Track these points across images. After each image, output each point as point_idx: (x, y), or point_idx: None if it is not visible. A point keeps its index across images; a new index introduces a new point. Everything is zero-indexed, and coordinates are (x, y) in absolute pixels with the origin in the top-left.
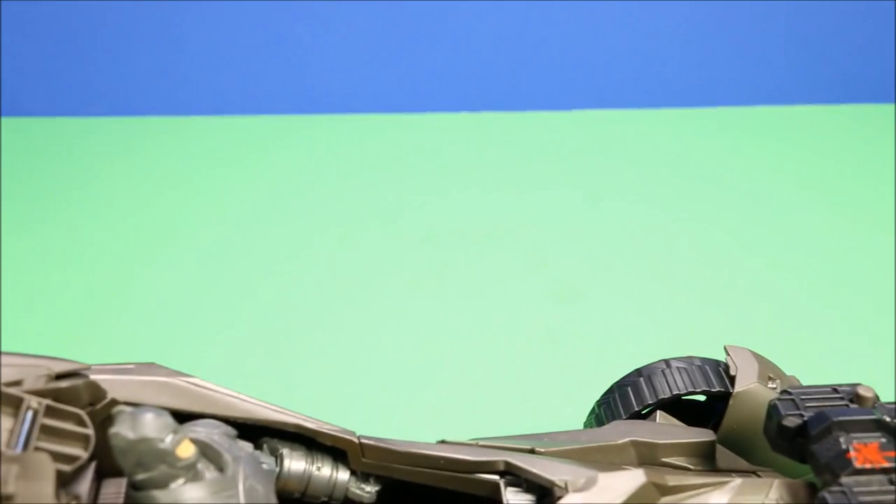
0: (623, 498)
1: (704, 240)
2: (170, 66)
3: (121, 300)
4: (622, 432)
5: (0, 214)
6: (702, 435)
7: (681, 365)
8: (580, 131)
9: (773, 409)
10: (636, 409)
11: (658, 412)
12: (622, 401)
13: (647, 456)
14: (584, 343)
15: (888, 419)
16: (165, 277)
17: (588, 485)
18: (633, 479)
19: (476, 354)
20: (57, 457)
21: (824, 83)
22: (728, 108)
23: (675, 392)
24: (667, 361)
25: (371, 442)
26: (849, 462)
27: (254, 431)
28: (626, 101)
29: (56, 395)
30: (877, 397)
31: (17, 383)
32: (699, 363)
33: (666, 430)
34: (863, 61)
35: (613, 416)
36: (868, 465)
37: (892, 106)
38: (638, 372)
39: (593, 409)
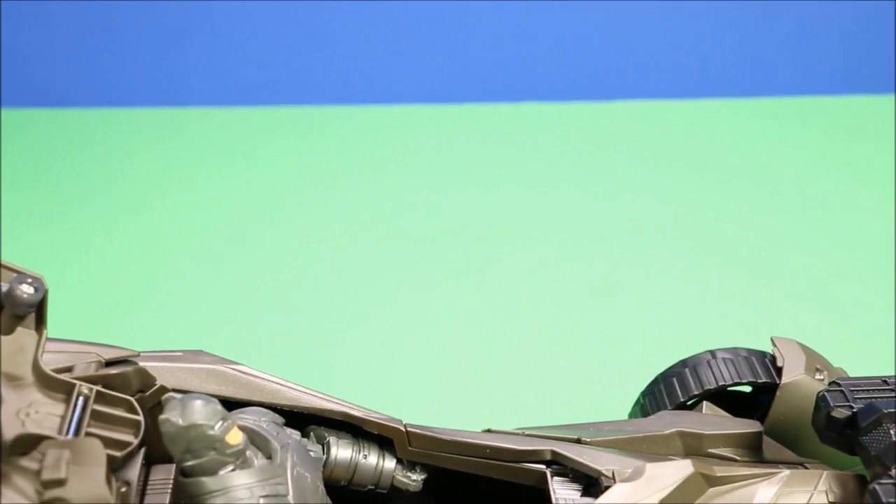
0: (671, 488)
1: (741, 232)
2: (172, 58)
3: (142, 291)
4: (668, 423)
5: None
6: (748, 426)
7: (727, 356)
8: (612, 123)
9: (821, 401)
10: (681, 399)
11: (704, 403)
12: (668, 391)
13: (693, 446)
14: (625, 335)
15: None
16: (195, 268)
17: (636, 475)
18: (680, 469)
19: (520, 347)
20: (108, 442)
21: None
22: (755, 100)
23: (720, 383)
24: (712, 352)
25: (417, 430)
26: None
27: (301, 419)
28: (638, 93)
29: (106, 381)
30: None
31: (67, 370)
32: (745, 354)
33: (712, 420)
34: (866, 52)
35: (659, 407)
36: None
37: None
38: (683, 363)
39: (638, 399)
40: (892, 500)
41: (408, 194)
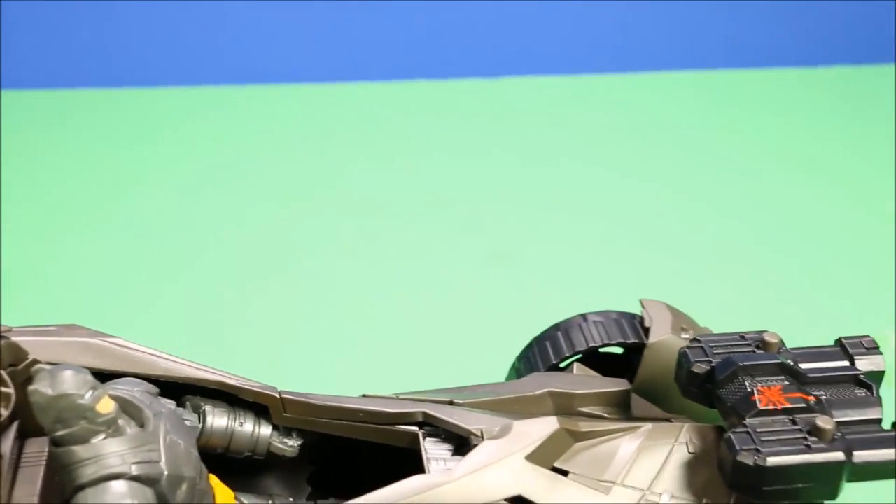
0: (537, 443)
1: (638, 201)
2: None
3: (57, 270)
4: (539, 384)
5: None
6: (617, 385)
7: (597, 318)
8: (512, 98)
9: (682, 357)
10: (553, 361)
11: (575, 364)
12: (541, 354)
13: (563, 406)
14: (510, 303)
15: (791, 363)
16: (107, 245)
17: (503, 432)
18: (546, 425)
19: (402, 314)
20: None
21: (819, 44)
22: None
23: (591, 344)
24: (584, 316)
25: (292, 397)
26: (753, 404)
27: (177, 390)
28: (564, 68)
29: None
30: (782, 343)
31: None
32: (615, 316)
33: (582, 380)
34: (861, 21)
35: (532, 370)
36: (771, 407)
37: (893, 66)
38: (556, 326)
39: (514, 364)
40: (745, 446)
41: (301, 172)
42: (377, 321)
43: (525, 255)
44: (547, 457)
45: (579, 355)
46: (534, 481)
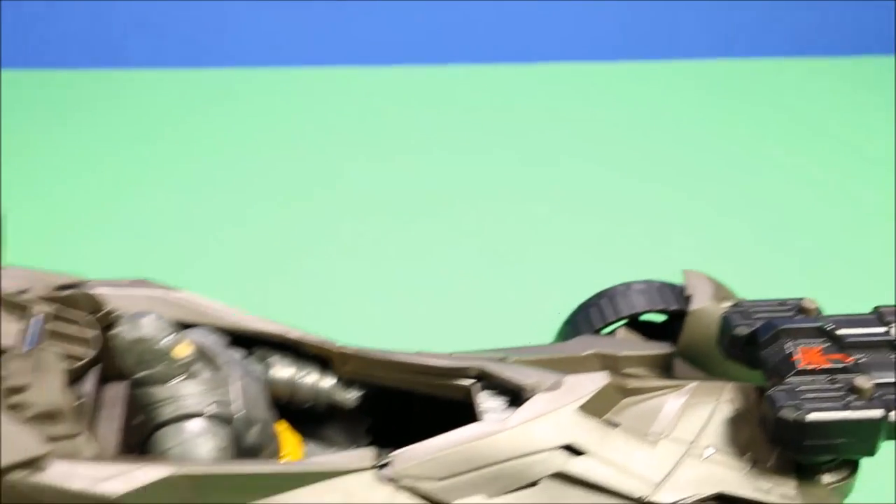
0: (588, 397)
1: (639, 193)
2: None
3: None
4: (586, 345)
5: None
6: (660, 348)
7: (641, 287)
8: (513, 86)
9: (724, 320)
10: (598, 326)
11: (620, 329)
12: (586, 320)
13: (609, 367)
14: (512, 300)
15: (830, 327)
16: (105, 244)
17: (555, 386)
18: (597, 380)
19: (402, 312)
20: (63, 356)
21: (823, 35)
22: (685, 62)
23: (634, 310)
24: (628, 284)
25: (352, 351)
26: (794, 364)
27: (243, 342)
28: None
29: (60, 303)
30: (819, 309)
31: (23, 292)
32: (658, 285)
33: (627, 343)
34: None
35: (578, 335)
36: (812, 367)
37: (893, 58)
38: (601, 294)
39: (560, 329)
40: (787, 403)
41: (310, 164)
42: (376, 319)
43: (526, 251)
44: (597, 409)
45: (623, 321)
46: (585, 431)
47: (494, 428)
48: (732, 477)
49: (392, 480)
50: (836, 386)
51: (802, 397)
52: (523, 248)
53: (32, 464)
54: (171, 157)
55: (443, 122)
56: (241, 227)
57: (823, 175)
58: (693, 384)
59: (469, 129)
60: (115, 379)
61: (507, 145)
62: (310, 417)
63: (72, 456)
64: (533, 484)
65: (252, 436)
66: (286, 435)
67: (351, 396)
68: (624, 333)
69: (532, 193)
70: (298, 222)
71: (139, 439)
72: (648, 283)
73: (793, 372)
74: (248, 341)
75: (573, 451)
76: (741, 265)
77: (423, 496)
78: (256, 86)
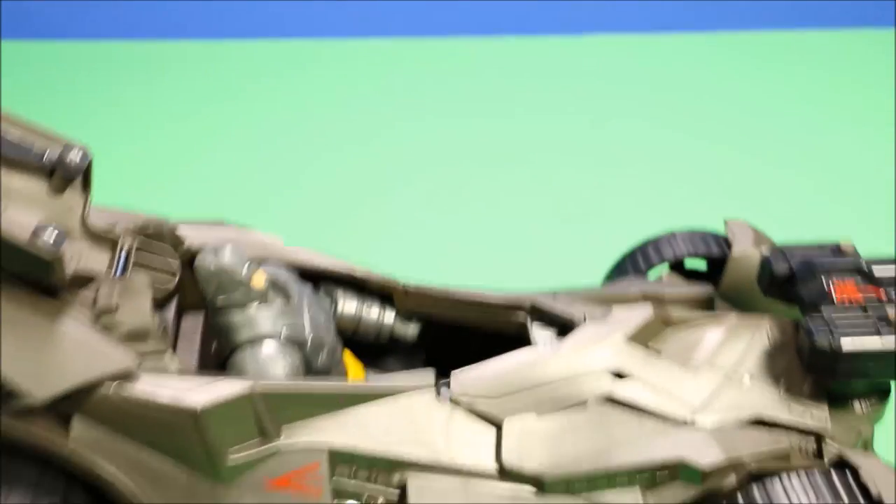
0: (633, 327)
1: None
2: None
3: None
4: (632, 286)
5: None
6: (703, 289)
7: (685, 234)
8: (586, 56)
9: (765, 260)
10: (644, 269)
11: (664, 272)
12: (633, 264)
13: (654, 305)
14: (607, 221)
15: (864, 267)
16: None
17: (604, 316)
18: (642, 311)
19: (520, 226)
20: (149, 283)
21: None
22: (726, 34)
23: (678, 254)
24: (673, 233)
25: (413, 287)
26: (829, 297)
27: (312, 279)
28: (624, 26)
29: (145, 235)
30: (855, 251)
31: (112, 227)
32: (701, 234)
33: (671, 284)
34: None
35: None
36: (846, 299)
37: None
38: (647, 241)
39: (607, 273)
40: (821, 330)
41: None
42: (441, 261)
43: (583, 203)
44: (642, 338)
45: (667, 266)
46: (630, 358)
47: (546, 353)
48: (768, 401)
49: (451, 400)
50: (869, 316)
51: (836, 326)
52: (580, 201)
53: (123, 376)
54: (253, 116)
55: (515, 90)
56: (315, 177)
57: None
58: (733, 317)
59: (537, 95)
60: (191, 309)
61: (572, 110)
62: (371, 350)
63: (158, 371)
64: (581, 405)
65: (321, 359)
66: (351, 362)
67: (411, 330)
68: (668, 278)
69: (590, 152)
70: (376, 171)
71: (216, 363)
72: (691, 231)
73: (827, 304)
74: (317, 278)
75: (619, 376)
76: (783, 219)
77: (479, 414)
78: (342, 55)
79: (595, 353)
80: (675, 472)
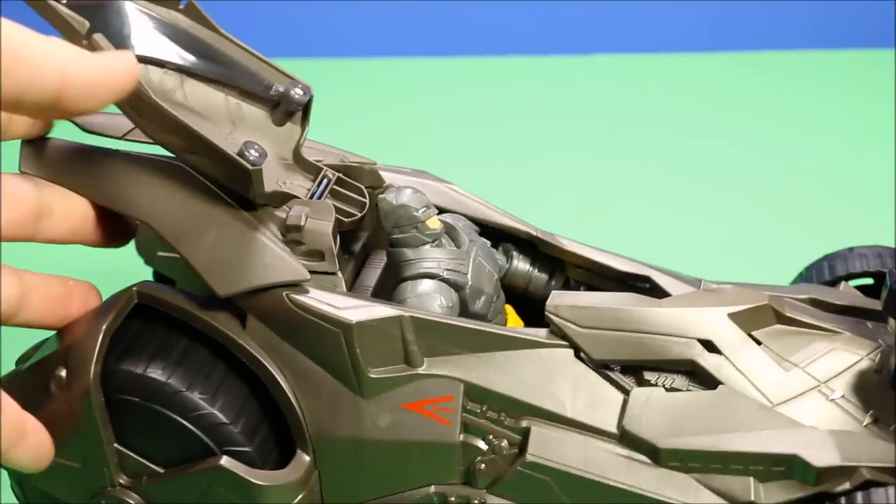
0: (740, 307)
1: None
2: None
3: None
4: (804, 290)
5: None
6: (870, 303)
7: (863, 251)
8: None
9: (890, 276)
10: (818, 283)
11: (842, 283)
12: (807, 277)
13: None
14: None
15: None
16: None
17: (717, 290)
18: (756, 296)
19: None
20: (338, 211)
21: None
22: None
23: (850, 272)
24: (851, 249)
25: (586, 262)
26: None
27: (494, 236)
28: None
29: (346, 171)
30: None
31: (319, 160)
32: (880, 250)
33: (843, 294)
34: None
35: None
36: None
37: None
38: (825, 256)
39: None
40: None
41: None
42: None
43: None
44: (747, 322)
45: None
46: (727, 334)
47: (647, 302)
48: (847, 426)
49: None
50: None
51: None
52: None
53: (296, 286)
54: None
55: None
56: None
57: None
58: (847, 334)
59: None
60: (379, 250)
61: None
62: (534, 309)
63: (326, 289)
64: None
65: (478, 305)
66: (512, 316)
67: None
68: (844, 286)
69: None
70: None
71: (387, 295)
72: (871, 248)
73: None
74: (500, 237)
75: (710, 348)
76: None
77: (568, 339)
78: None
79: (694, 318)
80: (790, 469)
